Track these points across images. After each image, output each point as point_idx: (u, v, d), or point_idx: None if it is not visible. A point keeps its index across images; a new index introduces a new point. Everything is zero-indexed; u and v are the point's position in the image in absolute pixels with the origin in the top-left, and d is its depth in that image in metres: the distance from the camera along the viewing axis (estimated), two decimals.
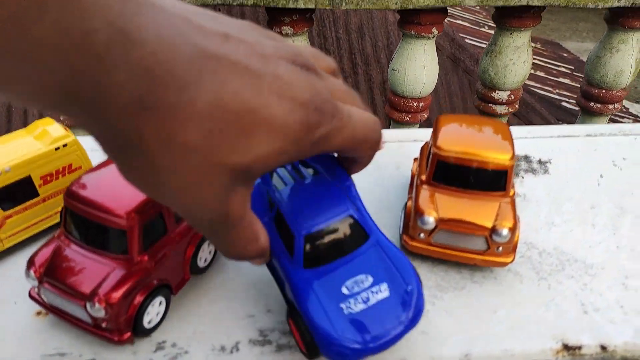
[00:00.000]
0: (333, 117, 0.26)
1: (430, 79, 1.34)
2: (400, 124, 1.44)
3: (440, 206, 0.41)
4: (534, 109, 2.62)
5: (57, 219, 0.46)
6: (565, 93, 4.56)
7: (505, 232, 0.40)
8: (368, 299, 0.32)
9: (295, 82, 0.24)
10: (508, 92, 1.40)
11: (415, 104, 1.38)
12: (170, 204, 0.25)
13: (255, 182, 0.29)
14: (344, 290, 0.32)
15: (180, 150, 0.22)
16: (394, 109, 1.43)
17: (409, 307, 0.32)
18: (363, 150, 0.30)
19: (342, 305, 0.31)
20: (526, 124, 2.62)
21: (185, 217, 0.28)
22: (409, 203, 0.44)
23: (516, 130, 0.53)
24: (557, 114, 3.92)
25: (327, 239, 0.33)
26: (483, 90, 1.43)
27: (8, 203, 0.43)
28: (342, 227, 0.33)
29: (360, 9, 1.23)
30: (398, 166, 0.56)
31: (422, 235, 0.42)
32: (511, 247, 0.42)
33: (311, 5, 1.18)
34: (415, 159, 0.50)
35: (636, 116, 4.41)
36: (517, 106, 1.48)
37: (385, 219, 0.47)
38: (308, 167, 0.35)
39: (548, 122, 2.78)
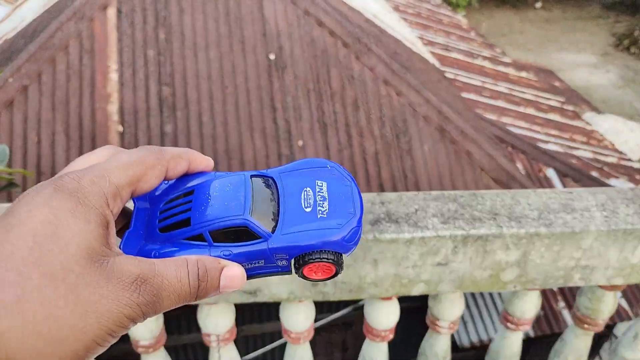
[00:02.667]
0: (95, 179, 0.31)
1: None
2: None
3: None
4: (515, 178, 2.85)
5: None
6: (552, 132, 4.79)
7: None
8: (324, 200, 0.38)
9: (54, 190, 0.30)
10: None
11: None
12: None
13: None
14: (306, 208, 0.37)
15: None
16: None
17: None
18: (157, 171, 0.35)
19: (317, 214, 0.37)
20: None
21: None
22: None
23: None
24: (543, 159, 4.15)
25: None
26: None
27: None
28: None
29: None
30: None
31: None
32: None
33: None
34: None
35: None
36: None
37: None
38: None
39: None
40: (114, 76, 2.76)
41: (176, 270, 0.32)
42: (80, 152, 2.63)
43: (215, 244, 0.36)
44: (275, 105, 2.81)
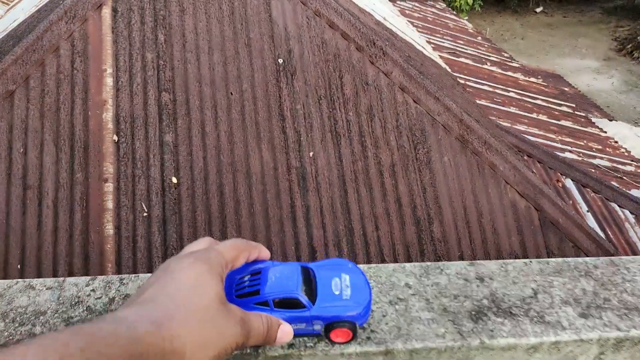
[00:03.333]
0: (217, 251, 0.54)
1: None
2: None
3: None
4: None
5: None
6: (567, 139, 4.60)
7: None
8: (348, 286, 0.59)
9: (195, 259, 0.53)
10: None
11: None
12: None
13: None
14: (335, 292, 0.58)
15: None
16: None
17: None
18: (242, 258, 0.58)
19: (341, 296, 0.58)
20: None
21: None
22: None
23: None
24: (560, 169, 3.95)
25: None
26: None
27: None
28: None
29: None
30: None
31: None
32: None
33: None
34: None
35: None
36: None
37: None
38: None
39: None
40: (109, 81, 2.54)
41: (258, 318, 0.52)
42: (71, 164, 2.41)
43: (275, 309, 0.56)
44: (284, 114, 2.59)
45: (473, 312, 0.65)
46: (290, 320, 0.55)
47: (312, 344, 0.61)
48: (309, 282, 0.57)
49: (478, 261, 0.71)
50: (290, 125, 2.58)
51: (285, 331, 0.53)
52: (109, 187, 2.40)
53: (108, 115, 2.49)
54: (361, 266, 0.73)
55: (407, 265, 0.71)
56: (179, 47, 2.63)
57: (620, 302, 0.65)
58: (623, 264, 0.69)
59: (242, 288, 0.56)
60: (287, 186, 2.51)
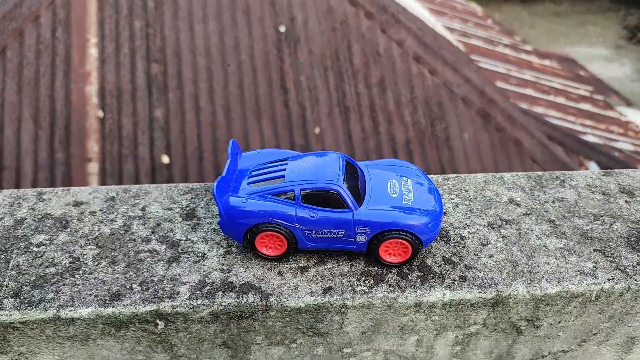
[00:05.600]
0: None
1: None
2: None
3: None
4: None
5: None
6: (587, 123, 4.34)
7: None
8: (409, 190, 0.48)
9: None
10: None
11: None
12: None
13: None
14: (392, 194, 0.45)
15: None
16: None
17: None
18: None
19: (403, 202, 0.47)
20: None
21: None
22: None
23: None
24: (582, 152, 3.70)
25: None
26: None
27: None
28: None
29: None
30: None
31: None
32: None
33: None
34: None
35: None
36: None
37: None
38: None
39: None
40: (93, 51, 2.30)
41: None
42: (52, 143, 2.18)
43: (304, 204, 0.40)
44: (287, 86, 2.35)
45: (632, 239, 0.42)
46: (325, 225, 0.40)
47: (364, 287, 0.38)
48: (355, 177, 0.43)
49: (616, 170, 0.50)
50: (294, 99, 2.33)
51: None
52: (93, 167, 2.16)
53: (92, 89, 2.25)
54: (435, 176, 0.53)
55: (507, 175, 0.49)
56: (170, 14, 2.39)
57: None
58: None
59: (261, 175, 0.42)
60: None
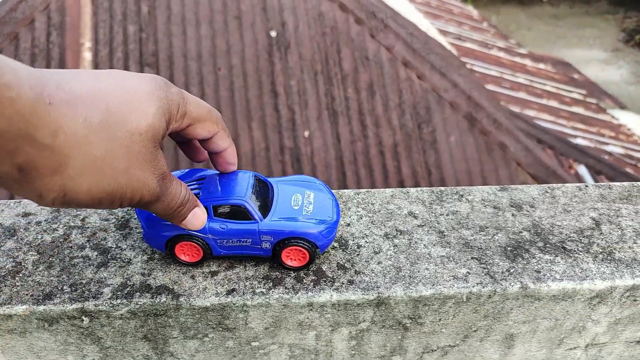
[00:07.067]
0: (181, 93, 0.39)
1: None
2: None
3: None
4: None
5: None
6: (579, 126, 4.38)
7: None
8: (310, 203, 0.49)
9: (152, 77, 0.38)
10: None
11: None
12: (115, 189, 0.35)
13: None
14: (294, 207, 0.48)
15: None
16: None
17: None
18: (212, 124, 0.42)
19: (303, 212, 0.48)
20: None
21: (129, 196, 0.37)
22: None
23: None
24: (572, 154, 3.74)
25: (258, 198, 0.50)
26: None
27: None
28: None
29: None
30: None
31: None
32: None
33: None
34: None
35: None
36: None
37: None
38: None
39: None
40: (87, 55, 2.35)
41: (179, 186, 0.41)
42: None
43: (215, 217, 0.46)
44: (277, 90, 2.40)
45: (509, 248, 0.47)
46: (233, 235, 0.46)
47: (263, 289, 0.43)
48: (263, 193, 0.48)
49: (512, 186, 0.54)
50: (284, 103, 2.38)
51: (198, 215, 0.43)
52: None
53: None
54: (348, 191, 0.57)
55: (412, 190, 0.53)
56: (163, 19, 2.44)
57: None
58: None
59: None
60: (280, 168, 2.31)
